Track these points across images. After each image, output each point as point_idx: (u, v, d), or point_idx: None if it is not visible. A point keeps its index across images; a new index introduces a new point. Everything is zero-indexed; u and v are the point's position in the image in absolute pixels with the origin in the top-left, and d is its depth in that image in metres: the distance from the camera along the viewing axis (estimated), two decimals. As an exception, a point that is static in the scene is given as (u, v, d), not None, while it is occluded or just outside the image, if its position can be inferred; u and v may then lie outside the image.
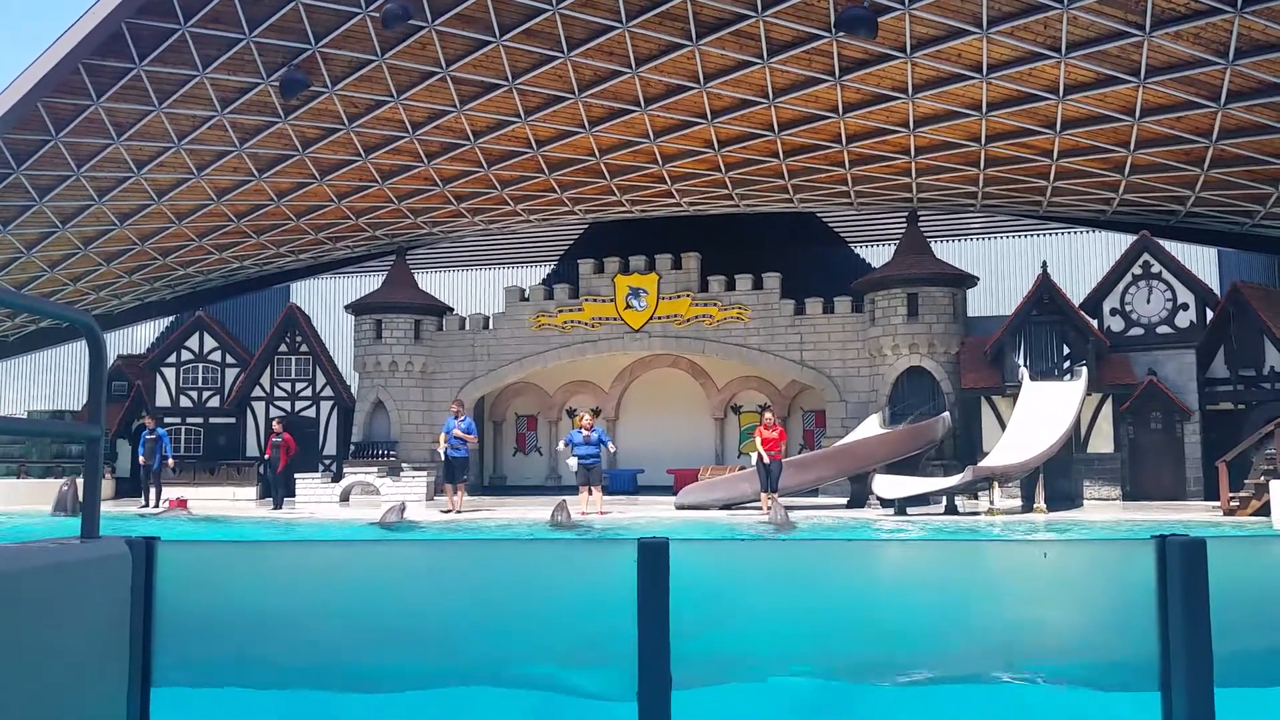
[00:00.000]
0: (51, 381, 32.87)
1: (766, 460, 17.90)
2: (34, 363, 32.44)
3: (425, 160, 21.79)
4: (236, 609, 2.92)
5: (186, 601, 2.81)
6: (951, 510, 17.40)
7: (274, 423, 22.32)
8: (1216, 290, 22.96)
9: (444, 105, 19.76)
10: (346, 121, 20.37)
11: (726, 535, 13.61)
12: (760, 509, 17.70)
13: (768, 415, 19.06)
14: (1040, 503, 17.62)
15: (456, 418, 18.93)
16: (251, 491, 24.58)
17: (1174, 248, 22.73)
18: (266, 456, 21.25)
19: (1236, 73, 16.16)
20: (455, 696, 2.94)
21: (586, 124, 20.17)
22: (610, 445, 18.72)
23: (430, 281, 29.77)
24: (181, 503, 21.20)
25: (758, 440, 18.28)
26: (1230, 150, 18.38)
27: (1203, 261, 25.02)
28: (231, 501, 21.77)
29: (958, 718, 2.96)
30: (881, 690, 2.92)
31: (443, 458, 18.93)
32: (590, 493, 18.08)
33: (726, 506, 19.29)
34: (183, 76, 19.00)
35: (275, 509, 19.92)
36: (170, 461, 21.56)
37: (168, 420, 27.94)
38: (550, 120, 20.15)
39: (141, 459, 21.45)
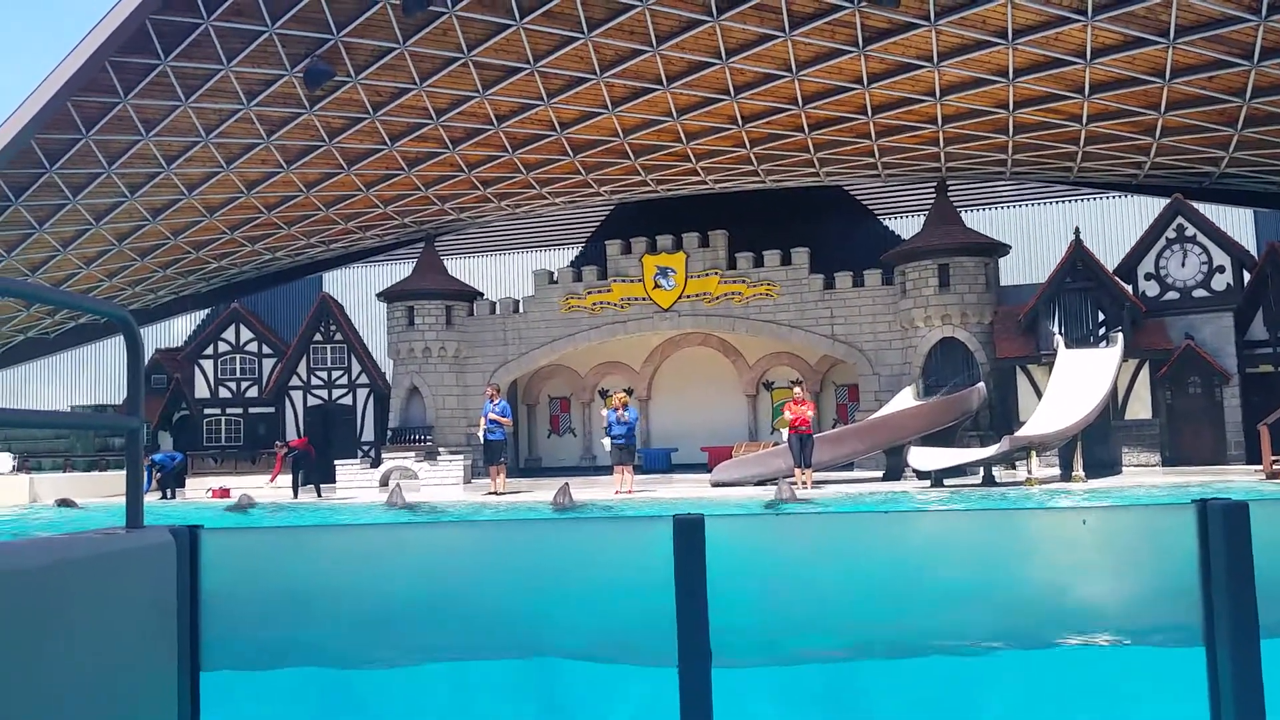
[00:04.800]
0: (93, 376, 33.39)
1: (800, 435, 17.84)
2: (76, 359, 32.97)
3: (450, 146, 21.83)
4: (280, 593, 2.97)
5: (231, 587, 2.86)
6: (989, 481, 17.29)
7: (288, 443, 22.90)
8: (1253, 252, 22.59)
9: (467, 91, 19.77)
10: (371, 110, 20.43)
11: (762, 510, 13.60)
12: (795, 484, 17.67)
13: (798, 390, 19.00)
14: (1079, 471, 17.46)
15: (492, 401, 19.01)
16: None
17: (1208, 210, 22.38)
18: (274, 472, 21.89)
19: (1270, 29, 15.83)
20: (494, 675, 2.97)
21: (609, 104, 20.11)
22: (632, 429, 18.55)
23: (459, 267, 29.91)
24: (224, 492, 21.52)
25: (787, 415, 18.26)
26: (1265, 108, 18.03)
27: (1238, 223, 24.63)
28: (273, 489, 22.00)
29: (999, 689, 2.95)
30: (921, 662, 2.92)
31: (482, 441, 19.13)
32: (624, 473, 18.11)
33: (761, 483, 19.27)
34: (208, 71, 19.12)
35: (294, 497, 20.15)
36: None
37: (207, 411, 28.42)
38: (573, 102, 20.11)
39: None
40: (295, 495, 20.27)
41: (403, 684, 3.00)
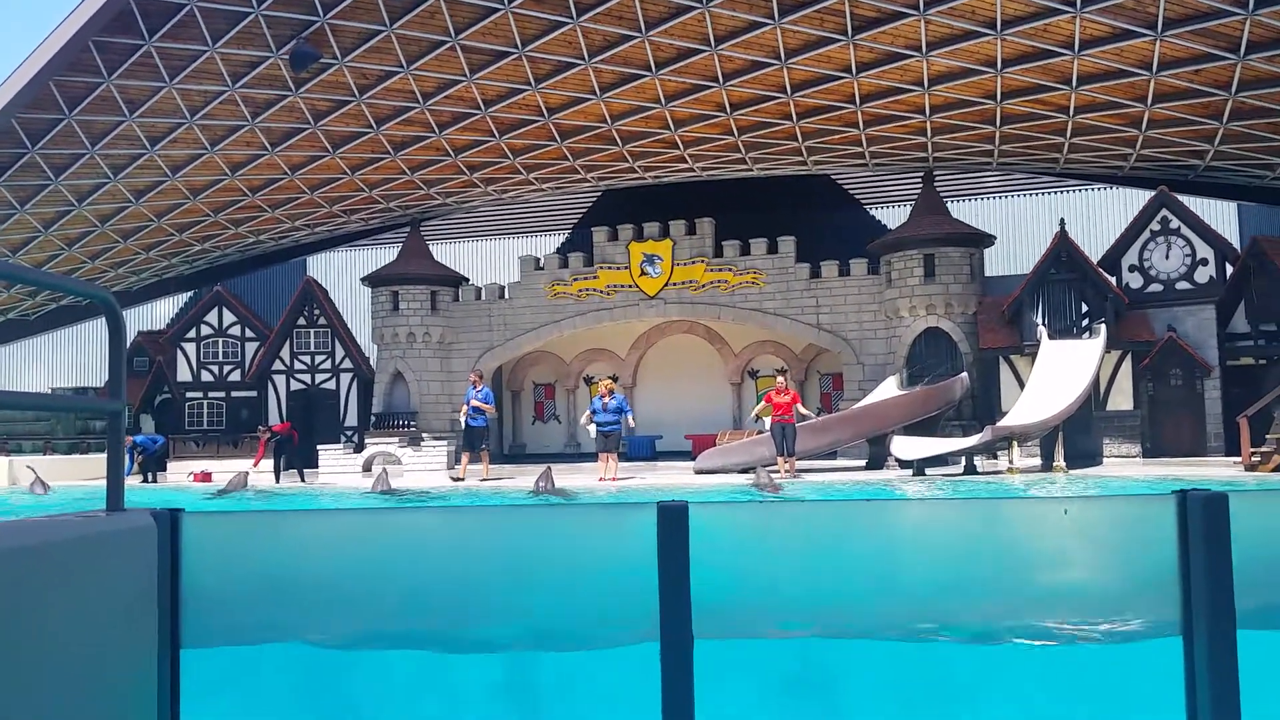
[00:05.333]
0: (74, 359, 33.16)
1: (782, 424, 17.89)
2: (57, 340, 32.73)
3: (437, 130, 21.72)
4: (261, 577, 2.96)
5: (212, 570, 2.85)
6: (971, 470, 17.38)
7: (271, 427, 22.73)
8: (1236, 245, 22.72)
9: (454, 75, 19.66)
10: (357, 93, 20.30)
11: (746, 498, 13.64)
12: (778, 472, 17.72)
13: (780, 380, 19.03)
14: (1060, 461, 17.57)
15: (475, 388, 18.97)
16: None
17: (1193, 202, 22.49)
18: (257, 456, 21.77)
19: (1257, 23, 15.90)
20: (475, 661, 2.97)
21: (597, 90, 20.05)
22: (629, 417, 18.35)
23: (445, 253, 29.80)
24: (206, 476, 21.44)
25: (763, 404, 18.35)
26: (1250, 102, 18.11)
27: (1222, 216, 24.76)
28: (255, 473, 21.93)
29: (977, 676, 2.97)
30: (902, 650, 2.94)
31: (463, 426, 19.09)
32: (609, 460, 18.09)
33: (745, 471, 19.31)
34: (193, 52, 18.96)
35: (276, 482, 20.09)
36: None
37: (189, 394, 28.32)
38: (560, 87, 20.03)
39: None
40: (277, 480, 20.23)
41: (385, 668, 3.00)
